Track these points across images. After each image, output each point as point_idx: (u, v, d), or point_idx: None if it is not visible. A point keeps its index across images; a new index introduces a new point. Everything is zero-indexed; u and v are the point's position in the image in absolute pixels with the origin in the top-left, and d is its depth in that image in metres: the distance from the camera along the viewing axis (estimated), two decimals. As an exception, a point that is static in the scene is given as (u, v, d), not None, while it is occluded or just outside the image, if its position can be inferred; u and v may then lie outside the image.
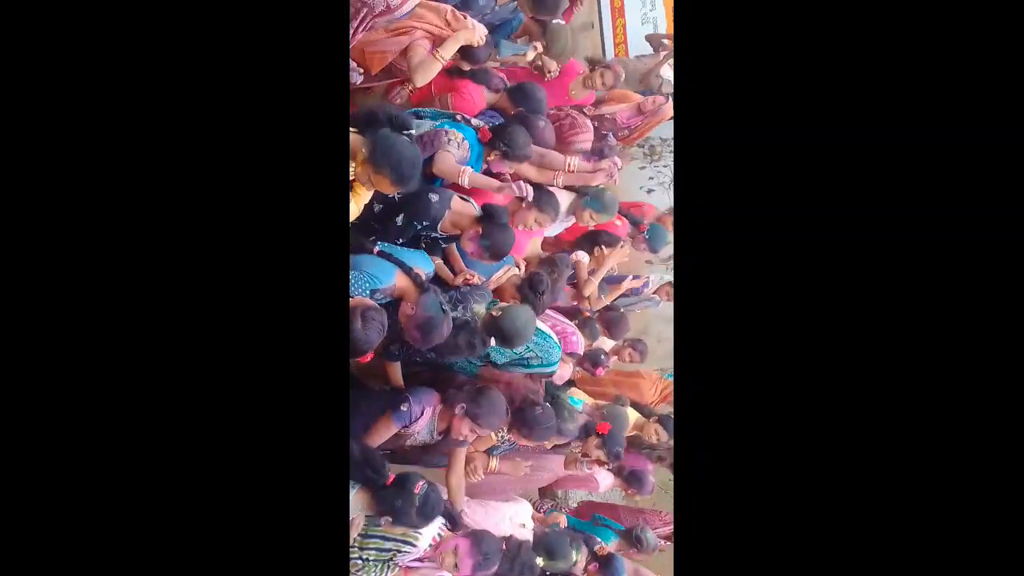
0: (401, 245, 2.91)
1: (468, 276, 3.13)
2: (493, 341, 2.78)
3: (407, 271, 2.63)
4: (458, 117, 3.19)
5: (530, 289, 3.04)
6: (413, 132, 2.52)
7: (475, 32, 3.12)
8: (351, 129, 2.36)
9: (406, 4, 2.77)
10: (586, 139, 3.79)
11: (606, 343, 4.21)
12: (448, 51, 3.08)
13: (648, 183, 5.95)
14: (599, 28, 6.06)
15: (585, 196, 3.69)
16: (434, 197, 2.82)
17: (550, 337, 3.34)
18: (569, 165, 3.46)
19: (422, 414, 2.80)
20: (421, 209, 2.82)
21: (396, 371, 3.02)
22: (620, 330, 4.15)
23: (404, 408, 2.76)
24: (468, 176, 3.00)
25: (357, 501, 2.49)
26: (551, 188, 3.49)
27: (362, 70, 3.04)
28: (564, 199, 3.68)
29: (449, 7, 3.13)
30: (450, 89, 3.36)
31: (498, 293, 3.19)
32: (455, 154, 3.00)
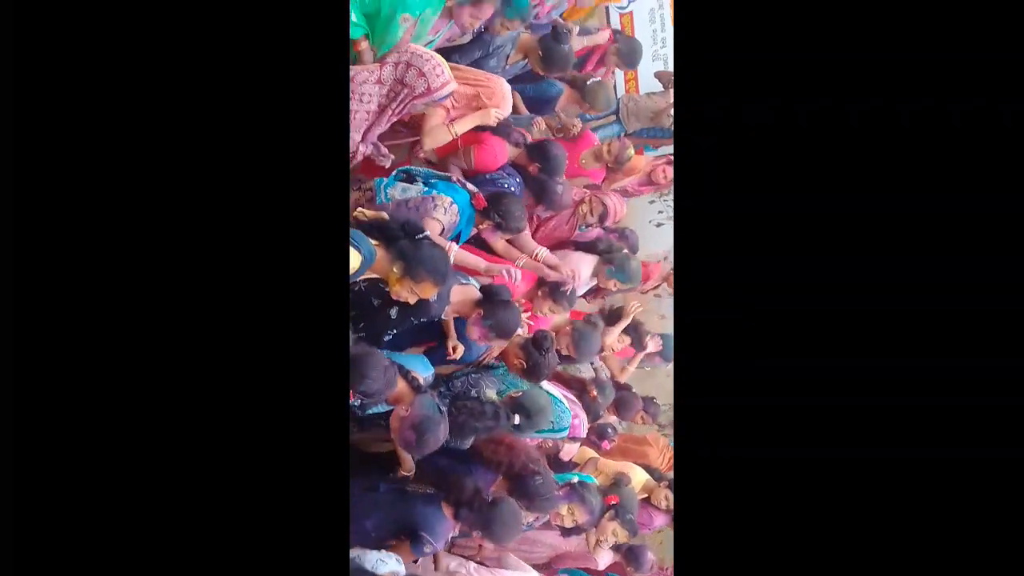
0: (395, 336, 2.86)
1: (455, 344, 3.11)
2: (517, 419, 2.80)
3: (404, 374, 2.57)
4: (453, 178, 3.20)
5: (534, 347, 3.00)
6: (428, 232, 2.56)
7: (490, 115, 3.21)
8: (375, 243, 2.39)
9: (445, 88, 2.91)
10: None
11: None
12: (461, 128, 3.22)
13: (657, 216, 5.81)
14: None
15: (610, 266, 3.72)
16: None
17: (561, 402, 3.33)
18: (536, 255, 3.45)
19: (441, 546, 2.80)
20: (419, 307, 2.73)
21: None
22: (630, 411, 4.12)
23: (428, 549, 2.73)
24: (454, 255, 2.98)
25: None
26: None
27: (391, 156, 3.15)
28: (587, 263, 3.73)
29: (484, 74, 3.25)
30: (474, 142, 3.41)
31: (503, 355, 3.17)
32: (442, 220, 2.99)
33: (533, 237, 3.64)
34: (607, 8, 5.30)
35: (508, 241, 3.43)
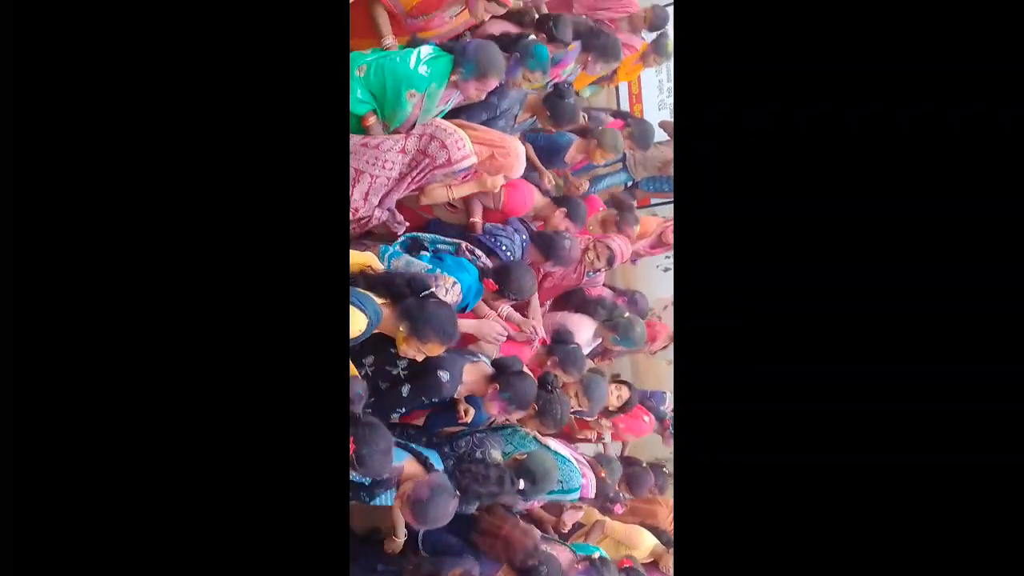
0: (404, 415, 2.87)
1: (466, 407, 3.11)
2: (522, 483, 2.77)
3: (421, 459, 2.58)
4: (463, 245, 3.24)
5: (541, 388, 3.01)
6: (433, 290, 2.57)
7: (488, 182, 3.26)
8: (381, 302, 2.40)
9: (465, 161, 3.02)
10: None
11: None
12: (459, 193, 3.31)
13: (665, 262, 5.80)
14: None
15: (614, 333, 3.74)
16: (444, 376, 2.76)
17: (570, 462, 3.28)
18: (500, 311, 3.41)
19: None
20: (431, 387, 2.76)
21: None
22: (642, 487, 4.07)
23: None
24: None
25: None
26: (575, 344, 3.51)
27: (406, 223, 3.24)
28: (587, 326, 3.74)
29: (499, 135, 3.29)
30: (505, 184, 3.45)
31: None
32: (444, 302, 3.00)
33: (540, 287, 3.64)
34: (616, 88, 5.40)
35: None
